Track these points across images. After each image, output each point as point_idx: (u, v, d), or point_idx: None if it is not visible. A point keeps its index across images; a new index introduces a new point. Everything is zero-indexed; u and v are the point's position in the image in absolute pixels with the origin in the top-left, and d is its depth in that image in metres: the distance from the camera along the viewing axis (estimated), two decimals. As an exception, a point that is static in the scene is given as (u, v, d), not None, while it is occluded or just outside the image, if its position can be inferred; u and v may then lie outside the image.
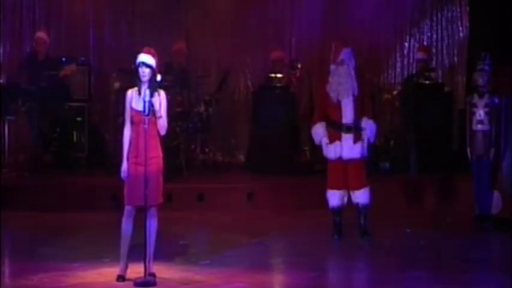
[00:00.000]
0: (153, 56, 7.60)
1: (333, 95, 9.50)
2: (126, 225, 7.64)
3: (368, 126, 9.52)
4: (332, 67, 9.57)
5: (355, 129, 9.46)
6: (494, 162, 10.10)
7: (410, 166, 12.32)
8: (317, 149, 13.14)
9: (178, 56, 12.89)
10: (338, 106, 9.49)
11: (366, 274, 8.36)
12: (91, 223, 10.40)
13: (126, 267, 7.70)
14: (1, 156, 12.76)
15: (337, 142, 9.51)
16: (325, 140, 9.57)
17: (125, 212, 7.63)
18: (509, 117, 10.11)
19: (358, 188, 9.49)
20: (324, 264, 8.52)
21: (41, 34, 12.47)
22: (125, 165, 7.60)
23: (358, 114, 9.48)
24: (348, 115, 9.48)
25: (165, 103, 7.60)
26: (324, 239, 9.60)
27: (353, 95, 9.46)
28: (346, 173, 9.50)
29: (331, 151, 9.53)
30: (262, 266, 8.40)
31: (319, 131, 9.67)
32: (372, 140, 9.61)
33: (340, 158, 9.48)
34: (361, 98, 9.52)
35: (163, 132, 7.63)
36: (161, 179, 7.65)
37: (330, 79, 9.54)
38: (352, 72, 9.50)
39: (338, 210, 9.59)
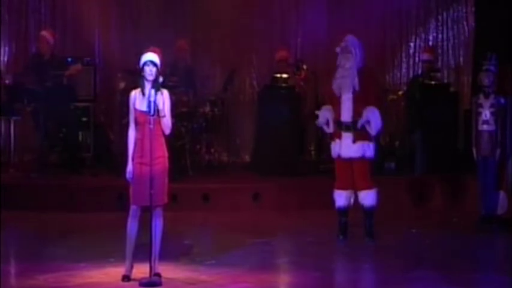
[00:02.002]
0: (158, 55, 7.64)
1: (336, 90, 9.44)
2: (132, 225, 7.65)
3: (370, 113, 9.28)
4: (337, 49, 9.45)
5: (354, 128, 9.38)
6: (500, 163, 10.09)
7: (415, 166, 12.31)
8: (322, 149, 13.23)
9: (181, 53, 12.90)
10: (339, 102, 9.44)
11: (371, 274, 8.36)
12: (97, 223, 10.40)
13: (132, 267, 7.71)
14: (7, 156, 12.81)
15: (337, 140, 9.47)
16: (329, 118, 9.44)
17: (131, 212, 7.65)
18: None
19: (363, 189, 9.44)
20: (329, 265, 8.51)
21: (44, 33, 12.47)
22: (130, 167, 7.61)
23: (358, 111, 9.32)
24: (346, 112, 9.35)
25: (168, 102, 7.62)
26: (329, 239, 9.60)
27: (353, 92, 9.31)
28: (352, 173, 9.45)
29: (332, 149, 9.53)
30: (268, 266, 8.41)
31: (324, 112, 9.56)
32: (375, 131, 9.34)
33: (339, 157, 9.45)
34: (365, 95, 9.32)
35: (167, 131, 7.65)
36: (166, 179, 7.66)
37: (336, 74, 9.48)
38: (355, 63, 9.29)
39: (343, 211, 9.56)
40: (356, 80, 9.29)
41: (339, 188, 9.53)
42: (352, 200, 9.53)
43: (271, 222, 10.67)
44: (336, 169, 9.60)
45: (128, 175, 7.62)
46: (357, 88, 9.31)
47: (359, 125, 9.31)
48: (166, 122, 7.60)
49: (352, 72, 9.31)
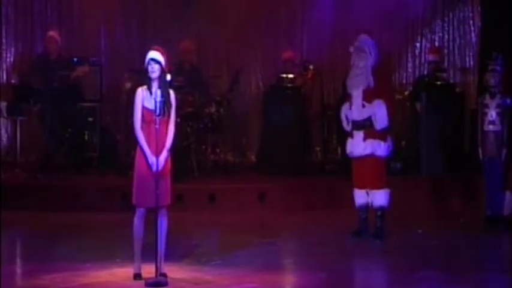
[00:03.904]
0: (162, 54, 7.62)
1: (349, 88, 9.42)
2: (139, 226, 7.64)
3: (376, 107, 9.21)
4: (350, 49, 9.39)
5: (364, 126, 9.36)
6: (506, 163, 10.07)
7: (421, 166, 12.30)
8: (328, 149, 13.23)
9: (187, 54, 12.90)
10: (351, 101, 9.43)
11: (377, 274, 8.35)
12: (102, 223, 10.41)
13: (140, 266, 7.70)
14: (13, 156, 12.83)
15: (349, 139, 9.48)
16: (347, 116, 9.43)
17: (137, 214, 7.64)
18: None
19: (374, 189, 9.43)
20: (335, 265, 8.49)
21: (52, 33, 12.49)
22: (151, 158, 7.46)
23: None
24: (356, 110, 9.36)
25: (174, 104, 7.63)
26: (335, 239, 9.59)
27: (363, 90, 9.29)
28: (366, 172, 9.42)
29: (347, 148, 9.54)
30: (273, 266, 8.40)
31: (343, 110, 9.55)
32: (379, 126, 9.25)
33: (352, 155, 9.45)
34: (375, 93, 9.23)
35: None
36: (169, 178, 7.66)
37: (350, 73, 9.46)
38: (370, 62, 9.28)
39: (361, 209, 9.53)
40: (371, 78, 9.26)
41: (356, 187, 9.53)
42: (370, 199, 9.49)
43: (276, 222, 10.67)
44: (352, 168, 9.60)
45: (153, 167, 7.50)
46: (371, 86, 9.27)
47: (364, 116, 9.26)
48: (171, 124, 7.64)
49: (367, 70, 9.27)
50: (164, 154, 7.53)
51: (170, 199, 7.68)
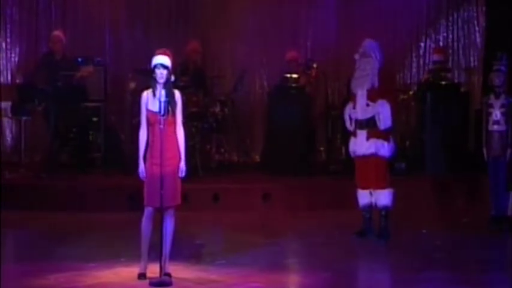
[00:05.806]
0: (169, 56, 7.63)
1: (354, 89, 9.43)
2: (146, 226, 7.64)
3: (380, 107, 9.23)
4: (356, 56, 9.42)
5: (368, 125, 9.37)
6: (511, 163, 10.06)
7: (426, 166, 12.29)
8: (332, 149, 13.23)
9: (193, 55, 12.89)
10: (355, 100, 9.44)
11: (381, 274, 8.34)
12: (107, 223, 10.42)
13: (146, 266, 7.71)
14: (18, 156, 12.84)
15: (353, 138, 9.49)
16: (350, 115, 9.44)
17: (145, 213, 7.64)
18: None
19: (377, 189, 9.42)
20: (338, 265, 8.49)
21: (57, 32, 12.50)
22: (141, 166, 7.59)
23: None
24: (359, 110, 9.36)
25: (180, 103, 7.63)
26: (339, 239, 9.59)
27: (367, 89, 9.30)
28: (369, 172, 9.42)
29: (349, 147, 9.53)
30: (278, 266, 8.40)
31: (346, 109, 9.56)
32: (383, 125, 9.27)
33: (355, 155, 9.44)
34: (379, 93, 9.26)
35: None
36: (179, 179, 7.65)
37: (355, 74, 9.47)
38: (376, 65, 9.29)
39: (365, 209, 9.53)
40: (375, 78, 9.28)
41: (359, 187, 9.53)
42: (373, 199, 9.48)
43: (281, 222, 10.67)
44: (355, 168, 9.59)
45: (141, 174, 7.60)
46: (375, 86, 9.27)
47: (368, 115, 9.26)
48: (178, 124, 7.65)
49: (373, 72, 9.30)
50: (183, 162, 7.58)
51: (179, 200, 7.68)
